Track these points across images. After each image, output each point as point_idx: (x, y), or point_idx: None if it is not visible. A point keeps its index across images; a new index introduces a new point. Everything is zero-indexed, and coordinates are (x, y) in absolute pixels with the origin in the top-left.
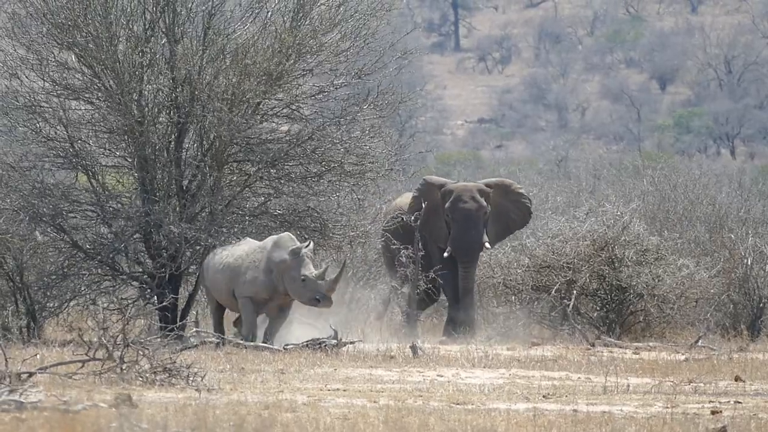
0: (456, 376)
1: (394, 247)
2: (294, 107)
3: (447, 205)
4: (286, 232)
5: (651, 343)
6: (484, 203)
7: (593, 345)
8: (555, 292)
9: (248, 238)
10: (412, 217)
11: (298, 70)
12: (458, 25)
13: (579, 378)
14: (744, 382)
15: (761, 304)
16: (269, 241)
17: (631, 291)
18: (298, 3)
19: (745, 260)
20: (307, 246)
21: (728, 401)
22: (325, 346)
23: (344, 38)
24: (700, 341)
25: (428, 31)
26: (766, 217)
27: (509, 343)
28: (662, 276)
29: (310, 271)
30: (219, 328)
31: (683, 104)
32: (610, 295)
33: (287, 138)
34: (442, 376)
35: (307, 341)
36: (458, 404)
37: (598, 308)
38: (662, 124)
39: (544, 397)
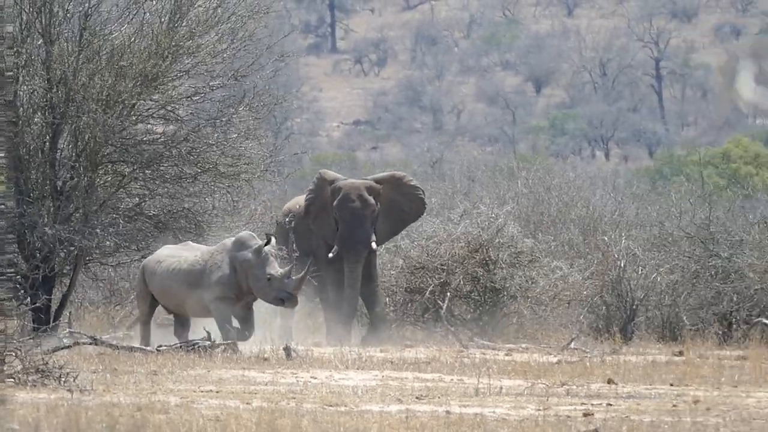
0: (329, 378)
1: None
2: (169, 108)
3: (335, 203)
4: (245, 231)
5: (524, 345)
6: (373, 201)
7: (466, 347)
8: (429, 294)
9: (190, 242)
10: (286, 219)
11: (175, 71)
12: (335, 27)
13: (452, 380)
14: (616, 384)
15: (634, 306)
16: (228, 241)
17: (505, 293)
18: (175, 4)
19: (618, 262)
20: (267, 244)
21: (600, 404)
22: (199, 347)
23: (221, 40)
24: (573, 343)
25: (305, 32)
26: (640, 219)
27: (382, 345)
28: (536, 278)
29: (275, 270)
30: (147, 334)
31: (558, 107)
32: (483, 296)
33: (162, 139)
34: (315, 378)
35: (180, 342)
36: (331, 406)
37: (471, 310)
38: (537, 126)
39: (416, 398)
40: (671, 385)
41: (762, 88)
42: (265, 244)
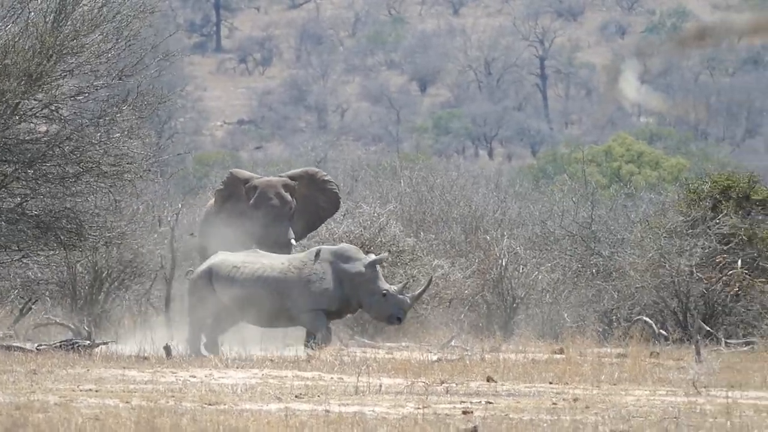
0: (209, 377)
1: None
2: (53, 108)
3: (252, 201)
4: (345, 243)
5: (404, 344)
6: (290, 198)
7: (346, 345)
8: None
9: (256, 249)
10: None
11: (59, 70)
12: (220, 26)
13: (332, 378)
14: (496, 382)
15: (515, 305)
16: (325, 251)
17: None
18: (60, 4)
19: (500, 261)
20: (377, 260)
21: (480, 402)
22: (79, 346)
23: (106, 39)
24: (453, 341)
25: (190, 31)
26: (522, 218)
27: (261, 344)
28: (417, 276)
29: (389, 286)
30: (197, 341)
31: (443, 106)
32: None
33: (45, 138)
34: (194, 377)
35: (60, 341)
36: (210, 405)
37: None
38: (421, 125)
39: (296, 397)
40: (551, 383)
41: (646, 87)
42: (375, 261)
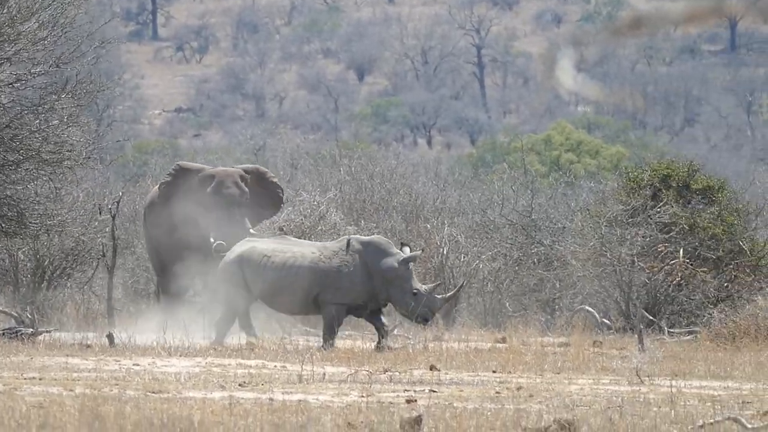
0: (152, 365)
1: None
2: None
3: (209, 189)
4: (378, 236)
5: (347, 332)
6: (246, 189)
7: (289, 333)
8: None
9: (286, 236)
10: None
11: None
12: (156, 15)
13: (275, 366)
14: (439, 371)
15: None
16: (354, 241)
17: None
18: None
19: (441, 249)
20: (420, 252)
21: (423, 390)
22: (22, 334)
23: (42, 27)
24: (396, 330)
25: (126, 19)
26: (462, 206)
27: (206, 332)
28: None
29: (421, 285)
30: (225, 329)
31: (380, 94)
32: None
33: None
34: (138, 365)
35: (3, 330)
36: (154, 393)
37: None
38: (360, 113)
39: (239, 385)
40: (494, 371)
41: (583, 76)
42: (409, 259)
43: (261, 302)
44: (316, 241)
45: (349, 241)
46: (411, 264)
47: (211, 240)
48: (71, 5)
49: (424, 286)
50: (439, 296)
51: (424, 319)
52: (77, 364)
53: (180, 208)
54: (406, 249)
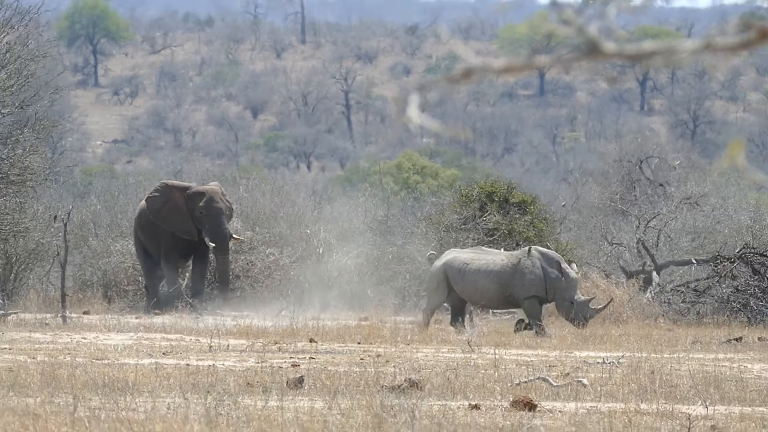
0: (96, 339)
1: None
2: None
3: (202, 204)
4: (551, 250)
5: (245, 313)
6: (229, 203)
7: (201, 314)
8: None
9: (482, 247)
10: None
11: None
12: (97, 67)
13: (191, 339)
14: (317, 342)
15: (330, 283)
16: (534, 251)
17: (231, 273)
18: None
19: (318, 249)
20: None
21: (305, 357)
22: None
23: (9, 77)
24: (283, 311)
25: (74, 71)
26: (334, 216)
27: (137, 314)
28: (254, 261)
29: (580, 296)
30: (459, 319)
31: (271, 129)
32: (214, 276)
33: None
34: (85, 339)
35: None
36: (98, 360)
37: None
38: (254, 144)
39: (163, 354)
40: (359, 343)
41: (426, 115)
42: (570, 275)
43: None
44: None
45: (530, 249)
46: (575, 277)
47: (428, 253)
48: (32, 61)
49: (582, 297)
50: (592, 307)
51: (579, 324)
52: (38, 338)
53: (168, 218)
54: (573, 266)
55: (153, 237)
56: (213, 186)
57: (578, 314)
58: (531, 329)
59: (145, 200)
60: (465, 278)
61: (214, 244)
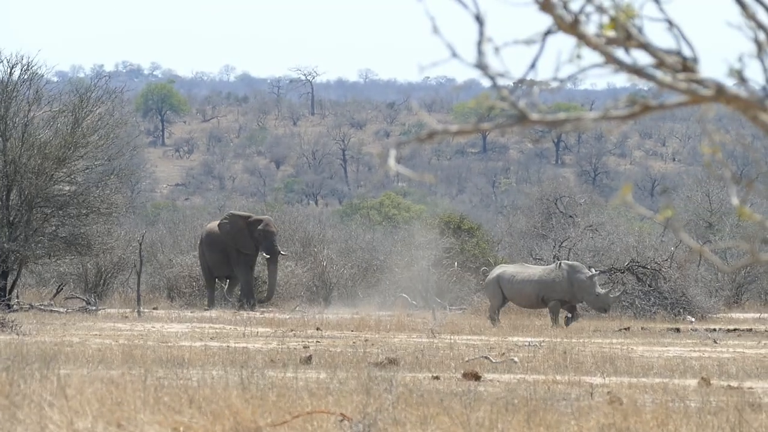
0: (162, 327)
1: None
2: (72, 177)
3: (260, 227)
4: (576, 261)
5: (271, 309)
6: (276, 228)
7: (237, 310)
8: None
9: (524, 263)
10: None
11: (75, 156)
12: (164, 132)
13: (231, 328)
14: (321, 330)
15: (330, 287)
16: (564, 265)
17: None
18: (74, 118)
19: (323, 262)
20: (597, 274)
21: (313, 341)
22: (89, 310)
23: (100, 138)
24: (297, 308)
25: (147, 134)
26: (335, 238)
27: (192, 309)
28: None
29: (600, 290)
30: (496, 316)
31: (289, 176)
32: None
33: (68, 194)
34: (154, 327)
35: (78, 307)
36: (163, 343)
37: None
38: (277, 187)
39: (210, 338)
40: (352, 331)
41: (402, 165)
42: (593, 276)
43: (511, 301)
44: (536, 265)
45: (560, 263)
46: (595, 278)
47: (482, 269)
48: (117, 127)
49: (602, 291)
50: (611, 296)
51: (603, 310)
52: (120, 327)
53: (234, 237)
54: (593, 270)
55: (218, 253)
56: (267, 217)
57: (602, 303)
58: (570, 322)
59: (218, 225)
60: (513, 286)
61: (269, 256)
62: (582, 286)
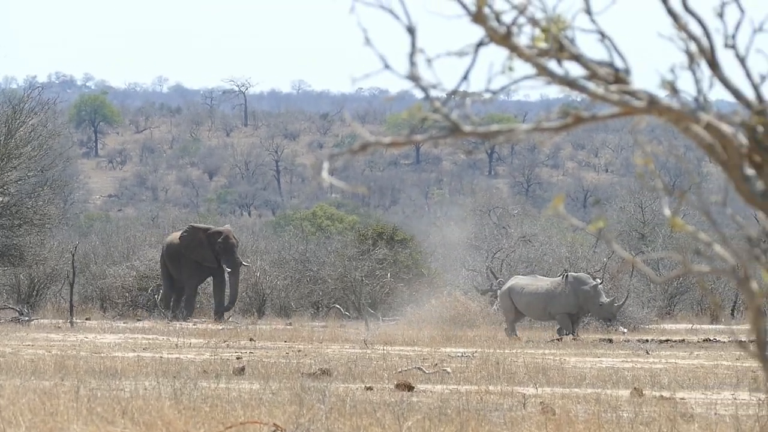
0: (95, 338)
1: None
2: (4, 188)
3: (220, 239)
4: (582, 273)
5: (203, 320)
6: (236, 239)
7: (170, 320)
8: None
9: (536, 275)
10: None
11: (8, 167)
12: (97, 143)
13: (163, 338)
14: (255, 341)
15: (264, 298)
16: (571, 278)
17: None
18: (7, 129)
19: (256, 273)
20: (600, 283)
21: (246, 352)
22: (21, 321)
23: (34, 149)
24: (231, 318)
25: (80, 145)
26: (268, 249)
27: (124, 319)
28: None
29: (605, 299)
30: (513, 328)
31: (222, 187)
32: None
33: (1, 204)
34: (87, 338)
35: (11, 318)
36: (96, 353)
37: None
38: (210, 198)
39: (143, 349)
40: (285, 341)
41: (335, 176)
42: (597, 285)
43: (522, 311)
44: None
45: (567, 276)
46: (599, 288)
47: (497, 280)
48: (50, 138)
49: (607, 300)
50: (615, 304)
51: (608, 320)
52: (52, 337)
53: (194, 249)
54: (597, 280)
55: (178, 265)
56: (227, 227)
57: (606, 312)
58: (565, 334)
59: (178, 238)
60: (522, 299)
61: (230, 269)
62: (587, 297)
